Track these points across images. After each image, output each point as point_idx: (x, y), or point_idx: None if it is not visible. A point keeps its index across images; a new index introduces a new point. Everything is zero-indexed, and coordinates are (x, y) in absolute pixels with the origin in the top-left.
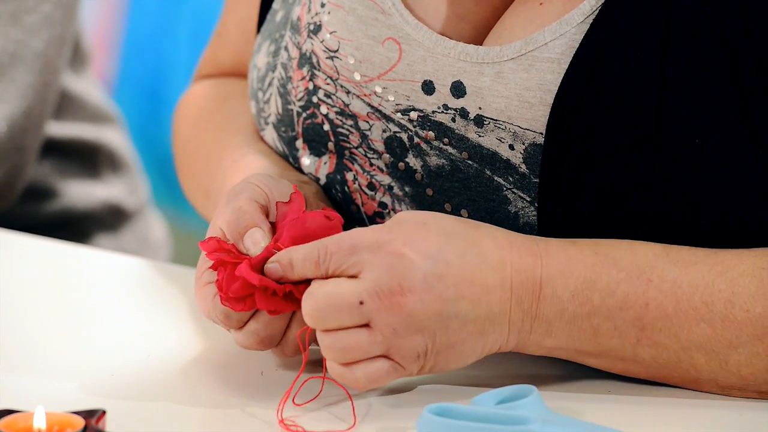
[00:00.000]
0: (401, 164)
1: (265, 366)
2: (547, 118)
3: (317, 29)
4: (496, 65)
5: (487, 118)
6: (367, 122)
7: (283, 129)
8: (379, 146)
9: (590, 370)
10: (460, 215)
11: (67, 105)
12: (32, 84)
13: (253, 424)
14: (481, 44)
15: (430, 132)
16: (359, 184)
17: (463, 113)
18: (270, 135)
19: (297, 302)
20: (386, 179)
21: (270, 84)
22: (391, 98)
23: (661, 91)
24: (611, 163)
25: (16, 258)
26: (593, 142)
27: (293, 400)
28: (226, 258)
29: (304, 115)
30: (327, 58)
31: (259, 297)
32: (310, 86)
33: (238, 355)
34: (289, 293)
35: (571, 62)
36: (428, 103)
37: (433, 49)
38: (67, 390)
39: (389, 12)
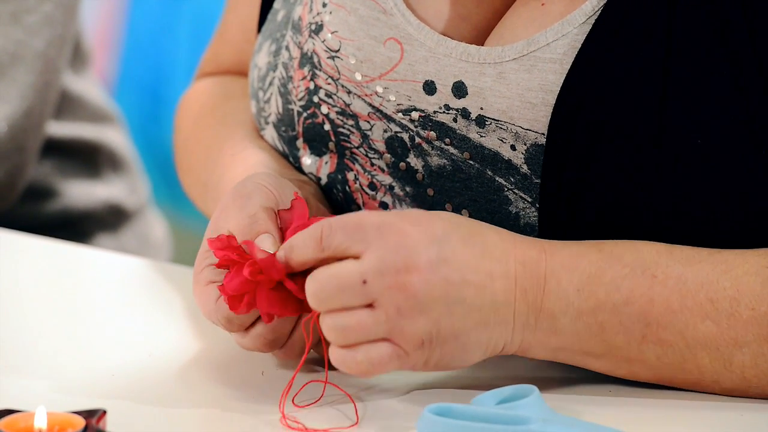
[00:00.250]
0: (402, 164)
1: (265, 366)
2: (549, 118)
3: (319, 29)
4: (497, 65)
5: (488, 118)
6: (368, 122)
7: (283, 129)
8: (380, 146)
9: (590, 371)
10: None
11: (67, 105)
12: (33, 84)
13: (253, 424)
14: (482, 45)
15: (432, 132)
16: (360, 184)
17: (465, 113)
18: (270, 134)
19: (296, 304)
20: (387, 179)
21: (271, 83)
22: (393, 98)
23: (663, 91)
24: (613, 163)
25: (16, 258)
26: (595, 143)
27: (293, 400)
28: (234, 257)
29: (305, 114)
30: (328, 57)
31: (259, 296)
32: (311, 86)
33: (239, 355)
34: (288, 293)
35: (573, 63)
36: (430, 103)
37: (434, 49)
38: (68, 390)
39: (391, 12)
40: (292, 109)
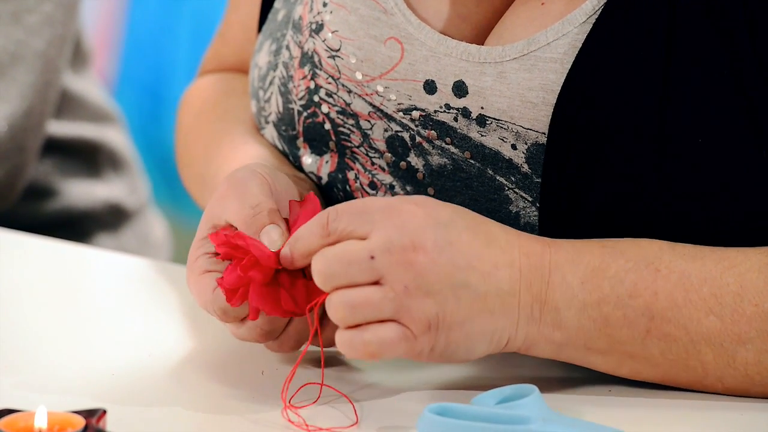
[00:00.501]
0: (403, 163)
1: (265, 365)
2: (550, 118)
3: (319, 28)
4: (498, 65)
5: (489, 117)
6: (369, 121)
7: (283, 128)
8: (381, 145)
9: (591, 371)
10: None
11: (67, 104)
12: (33, 83)
13: (253, 423)
14: (482, 44)
15: (432, 131)
16: (361, 183)
17: (465, 113)
18: (270, 134)
19: (288, 305)
20: (388, 178)
21: (271, 83)
22: (393, 97)
23: (663, 90)
24: (614, 163)
25: (16, 258)
26: (596, 143)
27: (290, 401)
28: (235, 254)
29: (305, 114)
30: (329, 57)
31: (252, 291)
32: (312, 85)
33: (239, 354)
34: (281, 293)
35: (574, 62)
36: (430, 103)
37: (435, 48)
38: (68, 390)
39: (391, 12)
40: (293, 109)
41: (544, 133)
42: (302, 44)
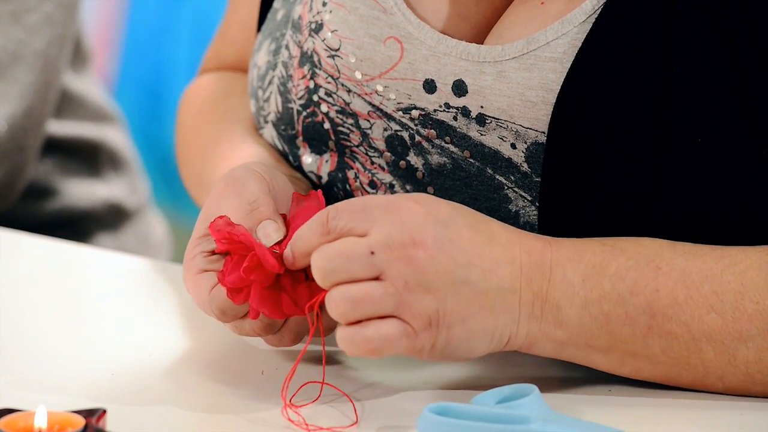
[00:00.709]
0: (402, 162)
1: (265, 365)
2: (550, 117)
3: (319, 28)
4: (497, 64)
5: (489, 116)
6: (368, 121)
7: (282, 127)
8: (380, 145)
9: (591, 371)
10: None
11: (67, 104)
12: (33, 83)
13: (253, 423)
14: (482, 43)
15: (432, 130)
16: (360, 183)
17: (465, 112)
18: (269, 133)
19: (289, 308)
20: (387, 177)
21: (270, 82)
22: (393, 97)
23: (663, 90)
24: (613, 162)
25: (16, 258)
26: (595, 142)
27: (289, 401)
28: (234, 249)
29: (305, 113)
30: (328, 56)
31: (253, 292)
32: (311, 85)
33: (239, 353)
34: (282, 296)
35: (574, 61)
36: (430, 102)
37: (434, 47)
38: (67, 390)
39: (391, 11)
40: (292, 108)
41: (544, 133)
42: (302, 44)
